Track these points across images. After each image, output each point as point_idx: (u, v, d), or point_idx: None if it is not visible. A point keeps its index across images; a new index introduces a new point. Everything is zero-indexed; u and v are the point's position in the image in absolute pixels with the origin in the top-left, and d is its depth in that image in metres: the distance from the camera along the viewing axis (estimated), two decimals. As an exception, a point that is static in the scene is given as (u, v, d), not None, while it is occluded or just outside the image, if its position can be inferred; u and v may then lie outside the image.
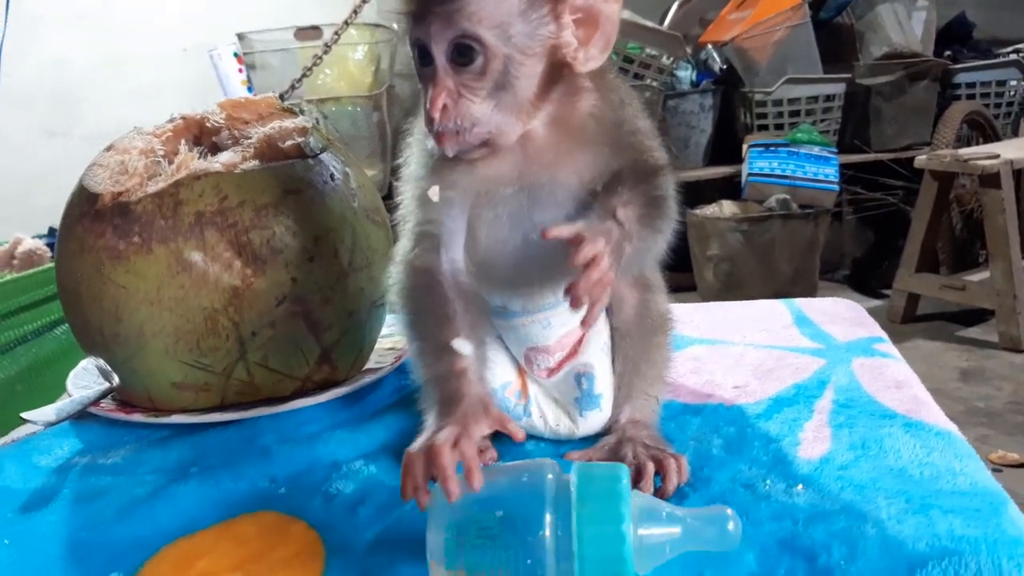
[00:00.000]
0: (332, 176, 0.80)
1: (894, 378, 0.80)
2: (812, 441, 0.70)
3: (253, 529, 0.63)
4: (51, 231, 2.39)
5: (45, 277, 1.46)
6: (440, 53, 0.57)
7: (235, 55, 3.22)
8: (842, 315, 0.99)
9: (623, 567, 0.50)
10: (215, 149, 0.83)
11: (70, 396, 0.84)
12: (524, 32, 0.57)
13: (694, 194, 3.55)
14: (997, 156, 2.85)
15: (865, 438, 0.70)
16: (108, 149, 0.80)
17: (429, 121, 0.58)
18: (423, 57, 0.59)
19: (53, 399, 1.08)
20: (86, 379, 0.87)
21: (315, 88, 3.12)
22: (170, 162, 0.78)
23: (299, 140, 0.79)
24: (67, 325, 1.05)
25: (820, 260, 3.47)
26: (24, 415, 0.77)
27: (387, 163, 3.20)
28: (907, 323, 3.20)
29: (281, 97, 3.04)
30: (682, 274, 3.61)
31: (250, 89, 3.23)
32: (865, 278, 3.67)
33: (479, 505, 0.51)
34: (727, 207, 3.47)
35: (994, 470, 2.19)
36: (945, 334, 3.11)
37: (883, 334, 0.92)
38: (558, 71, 0.59)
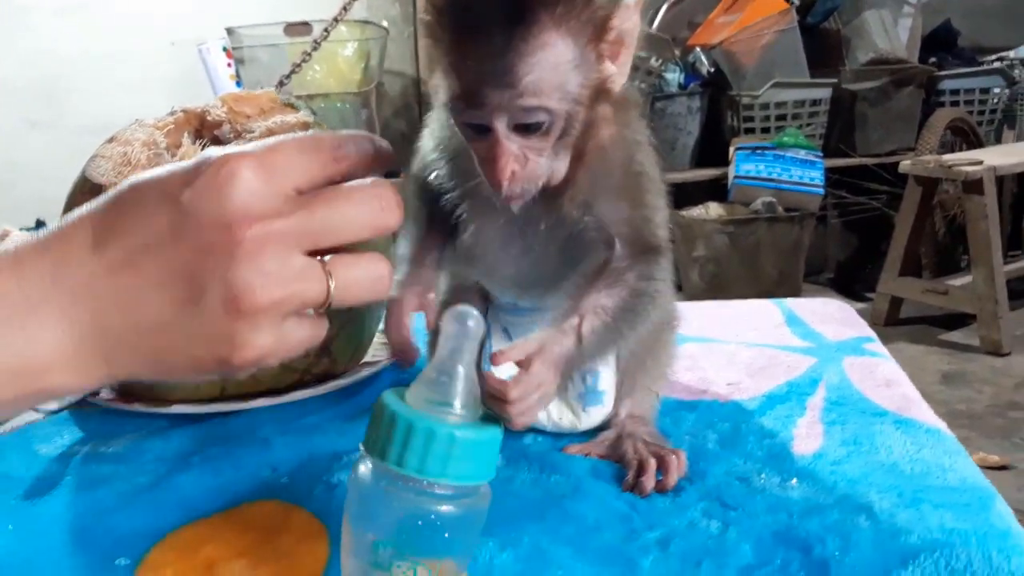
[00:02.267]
0: (334, 171, 0.81)
1: (884, 377, 0.82)
2: (805, 437, 0.72)
3: (256, 517, 0.63)
4: (38, 223, 2.38)
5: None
6: (503, 129, 0.55)
7: (224, 50, 3.21)
8: (832, 315, 1.00)
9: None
10: (216, 142, 0.83)
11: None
12: (579, 82, 0.55)
13: (681, 196, 3.58)
14: (980, 162, 2.89)
15: (857, 434, 0.71)
16: (110, 140, 0.81)
17: (497, 186, 0.56)
18: (476, 128, 0.56)
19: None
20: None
21: (304, 84, 3.12)
22: (172, 155, 0.78)
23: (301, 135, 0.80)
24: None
25: (804, 263, 3.50)
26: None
27: (376, 160, 3.20)
28: (890, 326, 3.24)
29: (271, 93, 3.01)
30: (668, 275, 3.64)
31: (239, 84, 3.22)
32: (849, 281, 3.71)
33: None
34: (713, 209, 3.50)
35: (974, 472, 2.24)
36: (927, 338, 3.15)
37: (872, 334, 0.94)
38: (599, 97, 0.58)
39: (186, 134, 0.82)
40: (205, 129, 0.85)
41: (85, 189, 0.77)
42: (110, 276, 0.43)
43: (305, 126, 0.81)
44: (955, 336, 3.14)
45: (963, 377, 2.81)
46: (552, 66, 0.54)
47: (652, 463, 0.65)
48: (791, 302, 1.06)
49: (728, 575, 0.54)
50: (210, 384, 0.79)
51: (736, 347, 0.92)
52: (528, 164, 0.56)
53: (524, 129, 0.55)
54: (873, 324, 3.25)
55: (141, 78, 3.33)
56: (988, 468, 2.25)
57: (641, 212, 0.64)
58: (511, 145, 0.55)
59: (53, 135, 3.24)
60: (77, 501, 0.66)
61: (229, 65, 3.19)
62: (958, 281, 3.14)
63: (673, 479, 0.65)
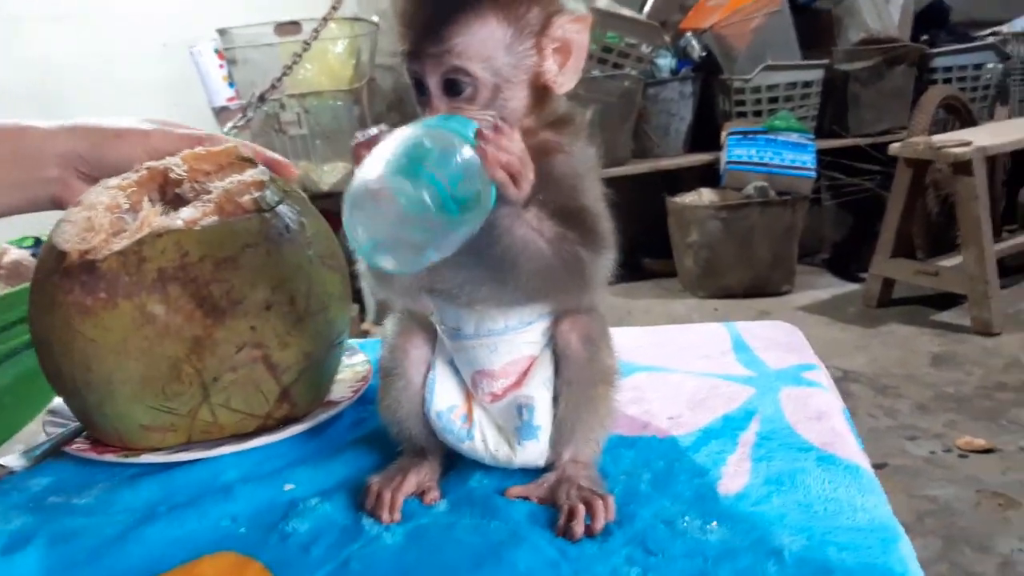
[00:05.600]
0: (288, 228, 0.85)
1: (816, 409, 0.85)
2: (732, 475, 0.75)
3: (212, 570, 0.68)
4: (36, 241, 2.43)
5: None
6: (434, 85, 0.67)
7: (216, 51, 3.24)
8: (778, 340, 1.04)
9: None
10: (179, 199, 0.87)
11: (46, 435, 0.89)
12: (509, 63, 0.66)
13: (674, 182, 3.60)
14: (969, 143, 2.90)
15: (780, 472, 0.75)
16: (77, 204, 0.85)
17: None
18: (419, 87, 0.68)
19: (39, 409, 1.13)
20: (59, 417, 0.93)
21: (296, 83, 3.15)
22: (134, 218, 0.83)
23: (256, 194, 0.84)
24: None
25: (800, 245, 3.53)
26: (0, 461, 0.82)
27: (369, 157, 3.23)
28: (882, 307, 3.27)
29: (262, 97, 3.05)
30: (663, 261, 3.67)
31: (231, 84, 3.25)
32: (844, 262, 3.73)
33: None
34: (706, 195, 3.52)
35: (960, 456, 2.27)
36: (920, 318, 3.18)
37: (815, 361, 0.97)
38: (540, 94, 0.69)
39: (147, 197, 0.86)
40: (168, 187, 0.89)
41: (52, 256, 0.81)
42: None
43: (260, 185, 0.85)
44: (947, 316, 3.17)
45: (953, 359, 2.84)
46: (481, 38, 0.65)
47: (581, 509, 0.70)
48: (741, 326, 1.09)
49: (637, 626, 0.59)
50: (175, 433, 0.83)
51: (683, 376, 0.96)
52: None
53: (450, 89, 0.66)
54: (866, 305, 3.30)
55: (134, 80, 3.37)
56: (974, 452, 2.29)
57: (580, 205, 0.68)
58: (441, 105, 0.67)
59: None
60: (50, 555, 0.71)
61: (221, 66, 3.23)
62: (949, 262, 3.16)
63: (599, 524, 0.69)
